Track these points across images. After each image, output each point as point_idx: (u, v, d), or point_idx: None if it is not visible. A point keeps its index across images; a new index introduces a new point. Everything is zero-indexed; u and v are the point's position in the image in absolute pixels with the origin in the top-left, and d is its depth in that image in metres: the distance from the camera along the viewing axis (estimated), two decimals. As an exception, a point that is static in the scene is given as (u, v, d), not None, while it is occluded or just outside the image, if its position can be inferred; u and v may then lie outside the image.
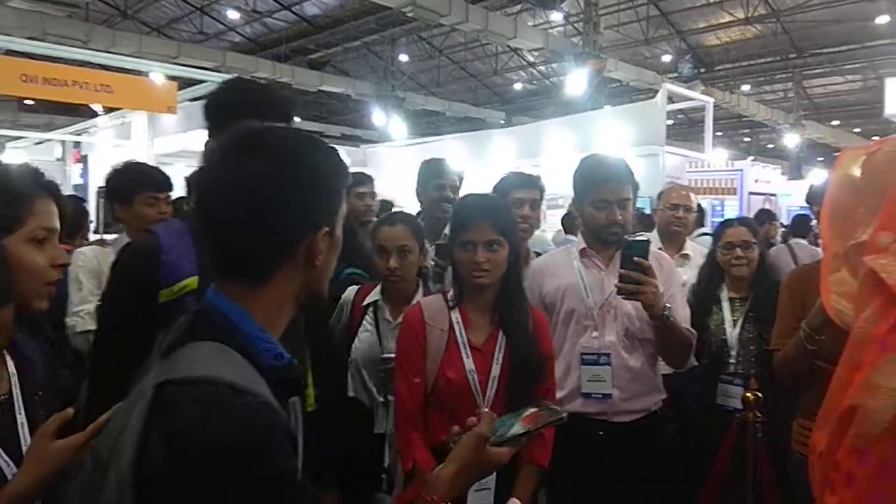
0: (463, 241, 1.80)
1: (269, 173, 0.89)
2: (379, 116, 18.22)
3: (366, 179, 3.34)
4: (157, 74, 8.09)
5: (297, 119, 1.75)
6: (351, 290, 2.34)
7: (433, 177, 2.91)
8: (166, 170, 2.99)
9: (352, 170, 1.14)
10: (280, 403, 0.84)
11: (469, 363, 1.80)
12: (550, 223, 7.14)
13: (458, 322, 1.84)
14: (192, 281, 1.48)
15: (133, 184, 2.74)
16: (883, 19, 15.08)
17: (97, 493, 0.79)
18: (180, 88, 8.09)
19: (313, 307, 1.64)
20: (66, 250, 1.74)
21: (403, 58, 19.97)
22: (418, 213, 3.02)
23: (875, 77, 17.40)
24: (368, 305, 2.26)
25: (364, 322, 2.24)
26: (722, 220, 3.38)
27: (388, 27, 17.03)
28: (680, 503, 2.54)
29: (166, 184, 2.84)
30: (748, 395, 2.34)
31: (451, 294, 1.90)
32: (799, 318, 1.95)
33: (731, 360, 2.57)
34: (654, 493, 2.09)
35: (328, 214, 0.95)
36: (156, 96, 7.80)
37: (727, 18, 16.54)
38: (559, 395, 2.12)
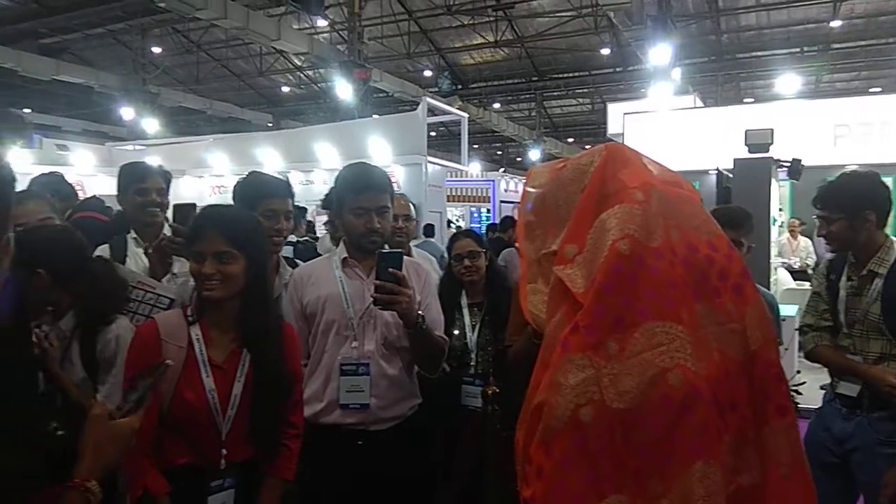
0: (194, 252, 1.73)
1: None
2: (127, 112, 16.63)
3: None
4: None
5: (27, 110, 1.52)
6: None
7: (134, 181, 2.70)
8: None
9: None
10: None
11: (209, 382, 1.70)
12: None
13: (198, 339, 1.73)
14: None
15: None
16: (606, 51, 17.58)
17: None
18: None
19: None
20: None
21: (156, 50, 18.44)
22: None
23: (600, 101, 20.13)
24: None
25: None
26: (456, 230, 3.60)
27: (137, 16, 15.59)
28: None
29: None
30: (486, 390, 2.56)
31: (190, 309, 1.78)
32: None
33: (472, 363, 2.76)
34: (411, 498, 2.17)
35: (4, 223, 0.93)
36: None
37: (479, 40, 17.96)
38: (318, 406, 2.11)
